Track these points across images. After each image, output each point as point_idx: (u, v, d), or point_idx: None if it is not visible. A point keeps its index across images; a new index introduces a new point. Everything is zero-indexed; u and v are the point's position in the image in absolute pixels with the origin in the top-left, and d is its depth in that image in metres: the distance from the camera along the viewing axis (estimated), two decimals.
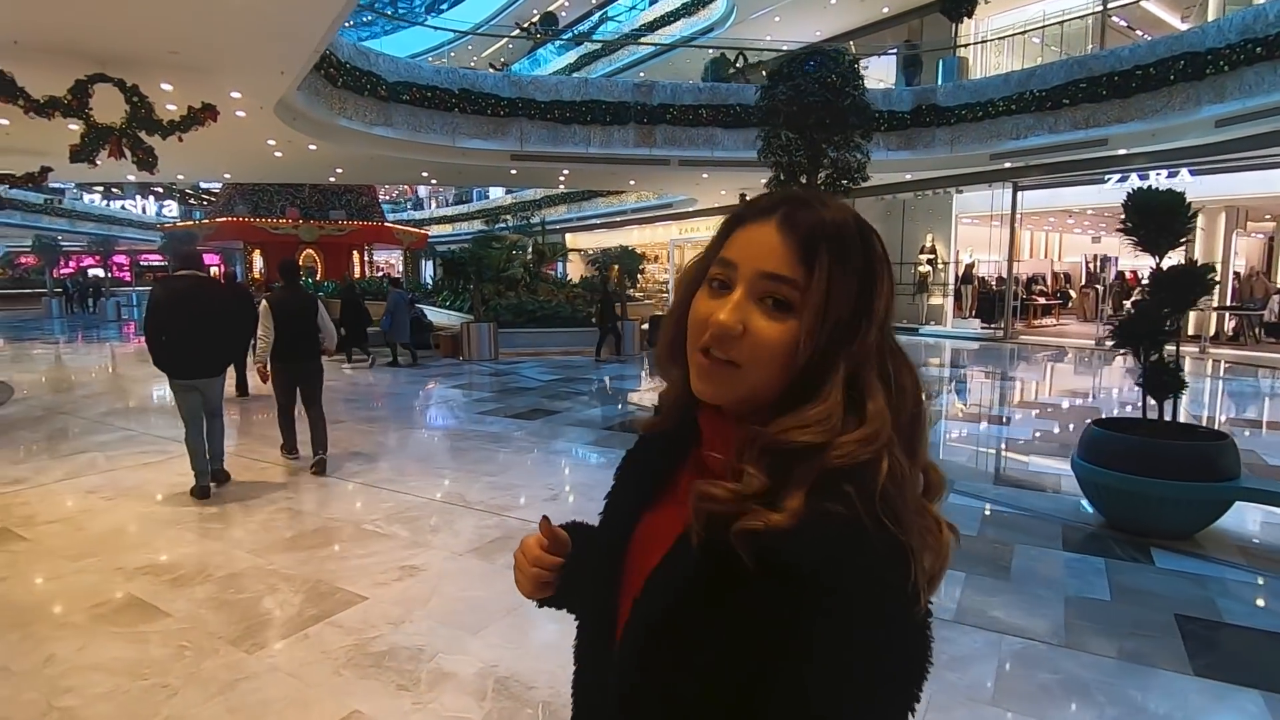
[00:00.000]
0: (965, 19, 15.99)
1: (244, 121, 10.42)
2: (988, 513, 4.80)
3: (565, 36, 26.07)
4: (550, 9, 26.72)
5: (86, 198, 34.04)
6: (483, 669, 2.82)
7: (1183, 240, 4.18)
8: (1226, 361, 12.79)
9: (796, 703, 0.55)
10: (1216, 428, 5.35)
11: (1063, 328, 18.41)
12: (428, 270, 34.35)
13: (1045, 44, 16.89)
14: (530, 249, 18.54)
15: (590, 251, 27.87)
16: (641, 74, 20.50)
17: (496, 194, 32.23)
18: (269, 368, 5.69)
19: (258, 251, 22.88)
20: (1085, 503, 4.76)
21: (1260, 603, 3.57)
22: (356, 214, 23.01)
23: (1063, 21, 16.37)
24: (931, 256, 17.98)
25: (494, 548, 4.11)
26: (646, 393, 9.77)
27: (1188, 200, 4.14)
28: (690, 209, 23.45)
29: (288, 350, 5.68)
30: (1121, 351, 4.51)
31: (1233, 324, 15.02)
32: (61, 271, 32.35)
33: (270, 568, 3.82)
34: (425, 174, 18.39)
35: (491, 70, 17.36)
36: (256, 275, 22.35)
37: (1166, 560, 3.99)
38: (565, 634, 0.85)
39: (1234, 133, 11.56)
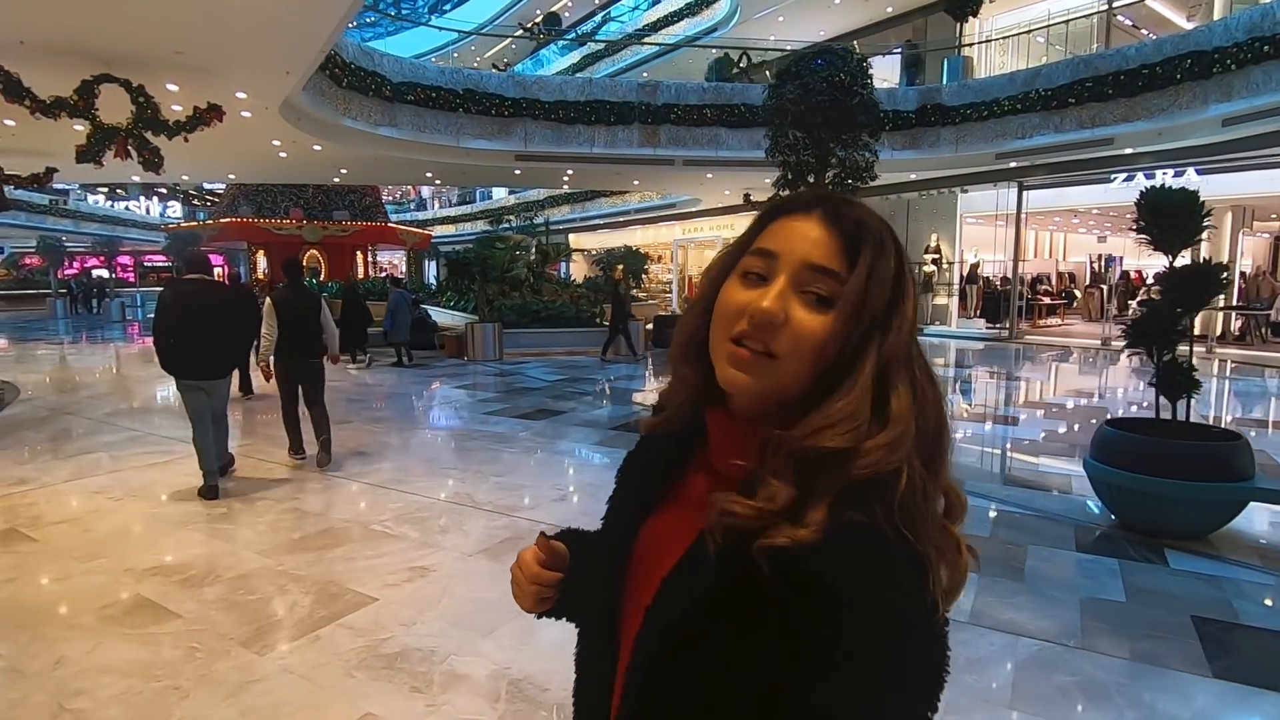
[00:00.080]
0: (970, 18, 15.93)
1: (249, 122, 10.42)
2: (999, 514, 4.77)
3: (569, 37, 26.06)
4: (553, 9, 26.71)
5: (91, 198, 34.06)
6: (495, 671, 2.80)
7: (1196, 239, 4.14)
8: (1233, 361, 12.74)
9: (815, 712, 0.54)
10: (1225, 428, 5.31)
11: (1068, 328, 18.36)
12: (431, 270, 34.38)
13: (1050, 43, 16.84)
14: (534, 249, 18.53)
15: (594, 251, 27.87)
16: (645, 74, 20.49)
17: (500, 194, 32.22)
18: (272, 366, 5.74)
19: (261, 252, 22.89)
20: (1096, 503, 4.73)
21: (1277, 604, 3.54)
22: (360, 214, 23.01)
23: (1068, 21, 16.32)
24: (936, 256, 17.94)
25: (504, 548, 4.09)
26: (651, 393, 9.75)
27: (1201, 199, 4.11)
28: (694, 209, 23.43)
29: (290, 348, 5.74)
30: (1133, 352, 4.48)
31: (1239, 324, 14.97)
32: (66, 272, 32.43)
33: (280, 569, 3.81)
34: (429, 174, 18.38)
35: (495, 71, 17.33)
36: (260, 276, 22.36)
37: (1181, 561, 3.96)
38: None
39: (1241, 132, 11.51)
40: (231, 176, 19.76)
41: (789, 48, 18.38)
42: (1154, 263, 22.17)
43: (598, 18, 26.32)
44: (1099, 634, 3.17)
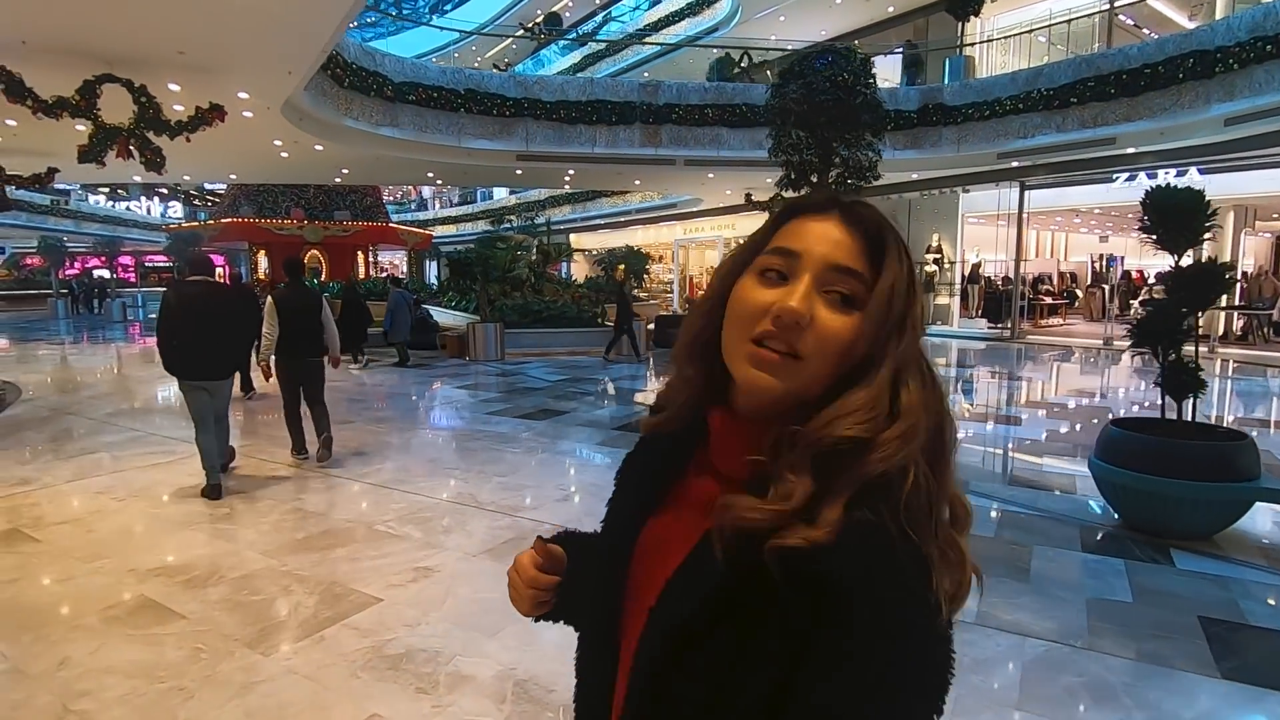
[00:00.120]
0: (972, 17, 15.91)
1: (251, 122, 10.42)
2: (1004, 514, 4.76)
3: (569, 37, 26.05)
4: (554, 9, 26.70)
5: (92, 199, 34.08)
6: (501, 671, 2.79)
7: (1202, 239, 4.13)
8: (1235, 361, 12.73)
9: (818, 712, 0.54)
10: (1231, 428, 5.30)
11: (1069, 327, 18.35)
12: (432, 271, 34.37)
13: (1051, 43, 16.83)
14: (535, 249, 18.53)
15: (595, 251, 27.86)
16: (646, 74, 20.48)
17: (500, 194, 32.21)
18: (272, 365, 5.78)
19: (263, 252, 22.90)
20: (1101, 503, 4.72)
21: None
22: (361, 215, 23.02)
23: (1069, 20, 16.31)
24: (938, 256, 17.93)
25: (508, 549, 4.08)
26: (653, 393, 9.73)
27: (1207, 199, 4.10)
28: (695, 209, 23.42)
29: (291, 347, 5.78)
30: (1138, 351, 4.47)
31: (1241, 324, 14.96)
32: (67, 272, 32.43)
33: (284, 569, 3.80)
34: (431, 174, 18.38)
35: (496, 71, 17.33)
36: (261, 276, 22.36)
37: (1186, 561, 3.95)
38: None
39: (1243, 131, 11.50)
40: (233, 177, 19.77)
41: (790, 47, 18.40)
42: (1155, 262, 22.16)
43: (598, 18, 26.30)
44: (1105, 634, 3.16)
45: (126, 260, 37.73)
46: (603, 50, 23.81)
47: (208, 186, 29.05)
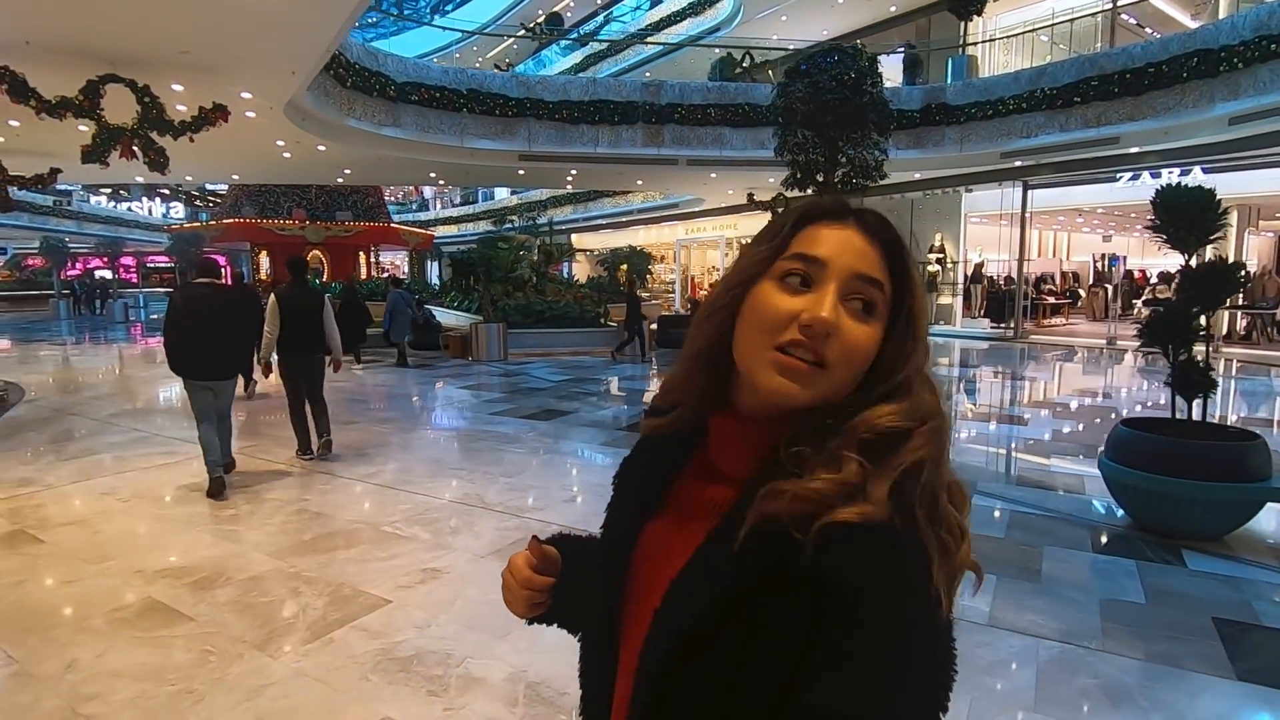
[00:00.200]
0: (974, 17, 15.89)
1: (254, 122, 10.41)
2: (1013, 515, 4.73)
3: (571, 37, 26.02)
4: (555, 9, 26.69)
5: (94, 199, 34.09)
6: (513, 674, 2.78)
7: (1213, 238, 4.11)
8: (1239, 361, 12.70)
9: (822, 710, 0.54)
10: (1242, 428, 5.28)
11: (1072, 327, 18.32)
12: (434, 271, 34.35)
13: (1054, 42, 16.81)
14: (537, 249, 18.52)
15: (597, 251, 27.83)
16: (647, 74, 20.46)
17: (502, 194, 32.19)
18: (274, 362, 5.86)
19: (264, 253, 22.89)
20: (1109, 503, 4.70)
21: None
22: (363, 215, 23.02)
23: (1072, 20, 16.29)
24: (941, 256, 17.90)
25: (516, 549, 4.00)
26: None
27: (1218, 197, 4.08)
28: (697, 209, 23.40)
29: (294, 345, 5.85)
30: (1148, 351, 4.45)
31: (1244, 323, 14.93)
32: (69, 273, 32.41)
33: (291, 570, 3.78)
34: (433, 175, 18.37)
35: (498, 71, 17.31)
36: (263, 276, 22.36)
37: (1198, 562, 3.93)
38: None
39: (1247, 130, 11.48)
40: (235, 177, 19.76)
41: (792, 47, 18.39)
42: (1157, 261, 22.18)
43: (599, 18, 26.28)
44: (1119, 636, 3.14)
45: (128, 261, 37.69)
46: (604, 50, 23.79)
47: (209, 187, 29.05)
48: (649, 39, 21.91)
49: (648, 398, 9.53)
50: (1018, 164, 14.90)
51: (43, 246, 28.00)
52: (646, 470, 0.78)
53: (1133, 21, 16.99)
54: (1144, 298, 19.13)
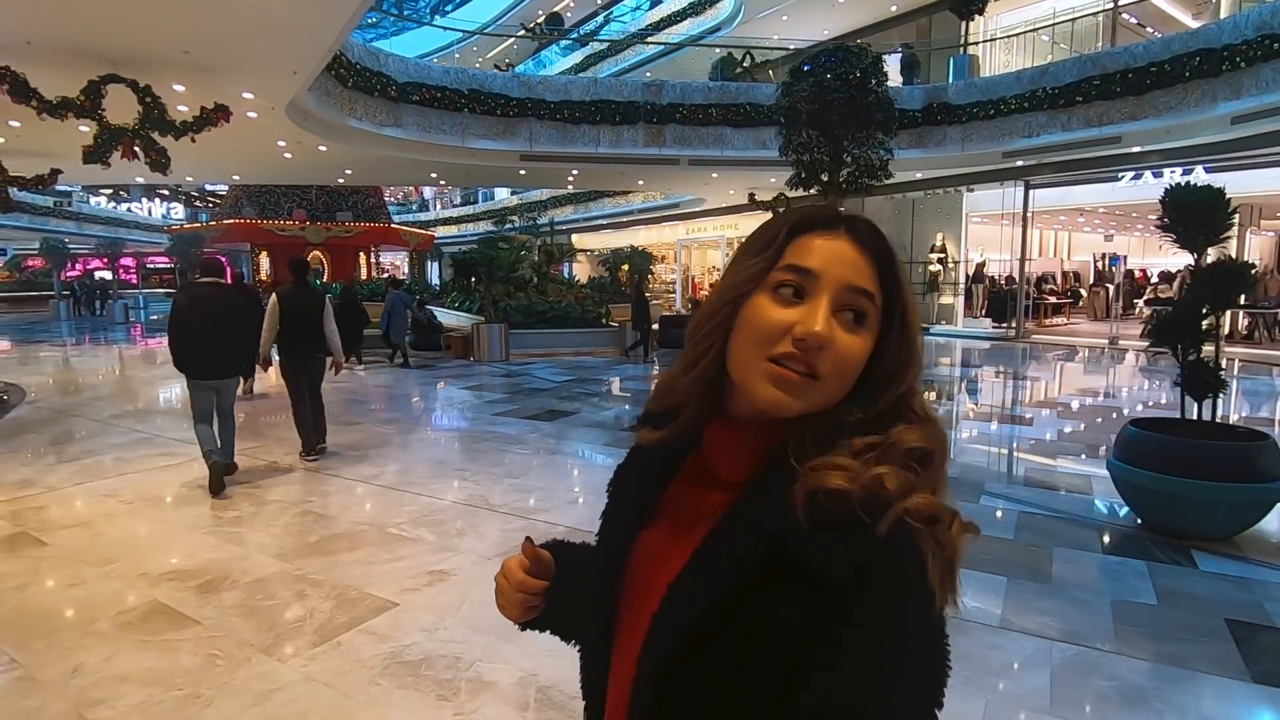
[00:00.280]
0: (976, 16, 15.87)
1: (255, 122, 10.38)
2: (1021, 515, 4.71)
3: (571, 37, 26.00)
4: (555, 9, 26.66)
5: (93, 200, 34.03)
6: (523, 677, 2.75)
7: (1222, 237, 4.09)
8: (1241, 360, 12.68)
9: (822, 707, 0.55)
10: (1252, 428, 5.25)
11: (1074, 327, 18.30)
12: (434, 271, 34.32)
13: (1055, 42, 16.80)
14: (538, 250, 18.49)
15: (597, 252, 27.81)
16: (648, 74, 20.44)
17: (502, 195, 32.17)
18: (275, 361, 5.95)
19: (265, 253, 22.86)
20: (1116, 503, 4.68)
21: None
22: (363, 215, 22.99)
23: (1073, 20, 16.28)
24: (942, 256, 17.88)
25: None
26: None
27: (1228, 196, 4.06)
28: (697, 209, 23.39)
29: (296, 345, 5.91)
30: (1157, 351, 4.43)
31: (1246, 323, 14.91)
32: (68, 274, 32.36)
33: (297, 573, 3.75)
34: (434, 175, 18.35)
35: (498, 71, 17.29)
36: (264, 277, 22.33)
37: (1209, 563, 3.90)
38: None
39: (1250, 130, 11.47)
40: (236, 178, 19.73)
41: (792, 47, 18.38)
42: (1158, 261, 22.16)
43: (599, 18, 26.26)
44: (1132, 638, 3.12)
45: (128, 262, 37.63)
46: (604, 50, 23.77)
47: (209, 187, 29.02)
48: (649, 39, 21.89)
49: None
50: (1019, 163, 14.89)
51: (43, 247, 27.95)
52: (641, 477, 0.78)
53: (1133, 21, 16.98)
54: (1146, 297, 19.11)
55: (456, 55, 27.14)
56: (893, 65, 17.13)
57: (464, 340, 13.32)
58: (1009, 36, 17.25)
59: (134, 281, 37.25)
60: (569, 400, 8.93)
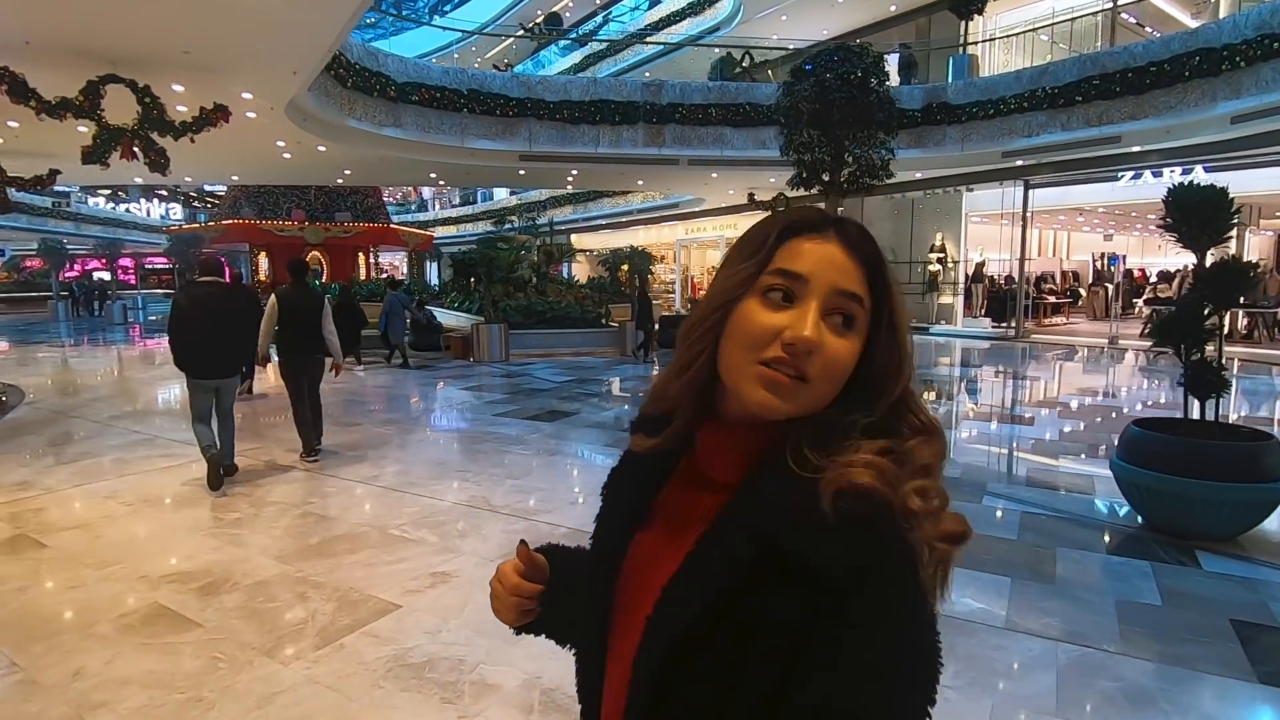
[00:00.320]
0: (975, 16, 15.86)
1: (254, 123, 10.36)
2: (1024, 516, 4.70)
3: (570, 37, 25.98)
4: (554, 9, 26.64)
5: (92, 201, 33.96)
6: (527, 680, 2.74)
7: (1225, 237, 4.08)
8: (1240, 360, 12.68)
9: (818, 707, 0.55)
10: (1256, 428, 5.25)
11: (1073, 326, 18.31)
12: (433, 271, 34.28)
13: (1054, 41, 16.80)
14: (537, 250, 18.47)
15: (597, 252, 27.78)
16: (647, 74, 20.42)
17: (501, 195, 32.14)
18: (275, 360, 6.00)
19: (263, 254, 22.82)
20: (1121, 504, 4.67)
21: None
22: (362, 216, 22.94)
23: (1072, 19, 16.28)
24: (941, 255, 17.88)
25: None
26: None
27: (1231, 196, 4.05)
28: (697, 209, 23.37)
29: (296, 345, 5.94)
30: (1160, 351, 4.42)
31: (1245, 322, 14.92)
32: (67, 275, 32.30)
33: (298, 575, 3.74)
34: (433, 175, 18.32)
35: (496, 71, 17.27)
36: (262, 277, 22.29)
37: (1212, 563, 3.90)
38: None
39: (1249, 129, 11.47)
40: (235, 178, 19.70)
41: (791, 46, 18.38)
42: (1156, 260, 22.18)
43: (598, 18, 26.24)
44: (1137, 638, 3.11)
45: (126, 262, 37.59)
46: (603, 50, 23.75)
47: (207, 188, 28.97)
48: (648, 39, 21.88)
49: None
50: (1019, 163, 14.88)
51: (41, 248, 27.88)
52: (634, 481, 0.79)
53: (1132, 21, 16.99)
54: (1145, 296, 19.12)
55: (455, 55, 27.10)
56: (890, 65, 17.15)
57: (463, 341, 13.30)
58: (1008, 36, 17.25)
59: (132, 282, 37.23)
60: (569, 401, 8.92)
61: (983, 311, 17.67)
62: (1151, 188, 14.42)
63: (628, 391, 10.11)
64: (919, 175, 16.42)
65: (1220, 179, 12.38)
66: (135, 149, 8.02)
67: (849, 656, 0.55)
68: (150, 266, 39.17)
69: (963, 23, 16.48)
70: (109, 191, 32.48)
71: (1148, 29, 16.87)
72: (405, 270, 32.65)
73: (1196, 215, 4.09)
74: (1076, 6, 16.30)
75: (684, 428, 0.73)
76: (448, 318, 15.13)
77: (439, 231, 33.76)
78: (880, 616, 0.56)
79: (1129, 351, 13.89)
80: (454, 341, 13.55)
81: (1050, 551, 4.06)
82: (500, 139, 13.51)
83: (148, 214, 37.96)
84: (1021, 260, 16.61)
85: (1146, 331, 4.57)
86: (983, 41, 17.19)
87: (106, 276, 32.94)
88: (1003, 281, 17.81)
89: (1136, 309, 19.25)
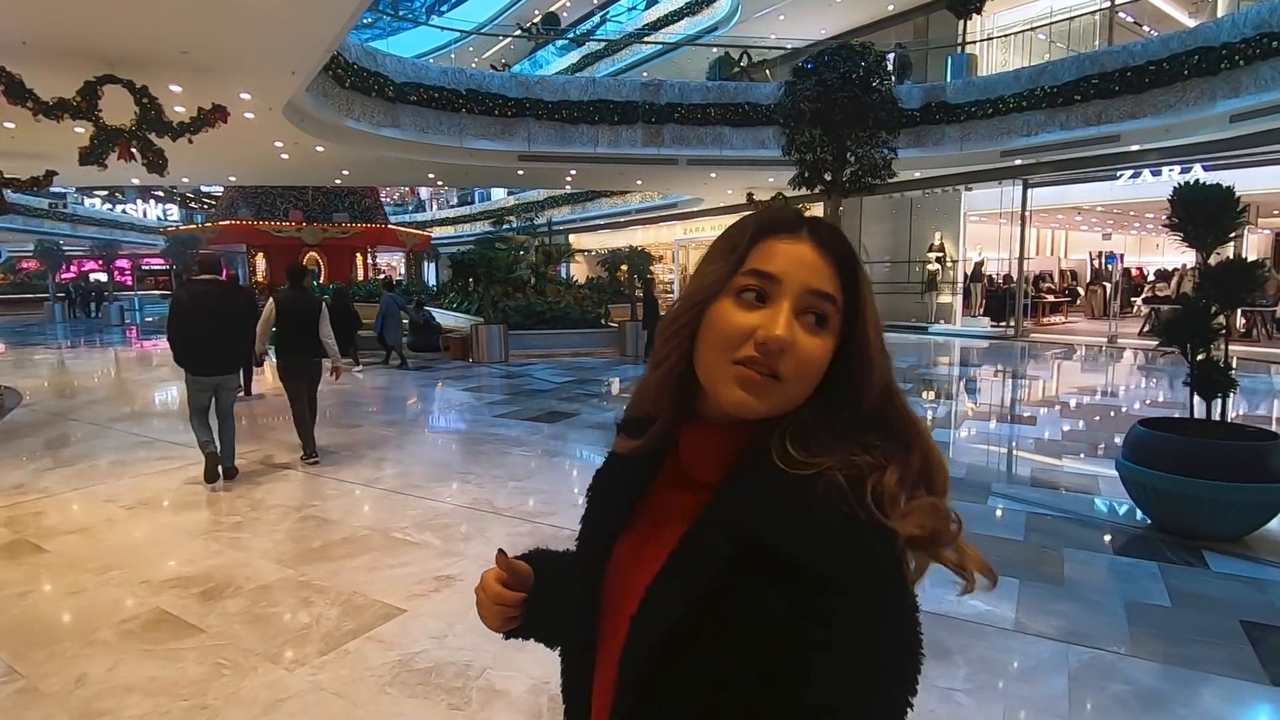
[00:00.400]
0: (973, 15, 15.86)
1: (252, 123, 10.32)
2: (1030, 516, 4.68)
3: (568, 37, 25.95)
4: (552, 9, 26.61)
5: (88, 202, 33.85)
6: (534, 685, 2.71)
7: (1231, 237, 4.07)
8: (1239, 359, 12.68)
9: (804, 701, 0.56)
10: (1262, 428, 5.23)
11: (1072, 325, 18.32)
12: (431, 272, 34.22)
13: (1052, 40, 16.81)
14: (536, 250, 18.43)
15: (596, 252, 27.74)
16: (645, 74, 20.40)
17: (499, 195, 32.10)
18: (274, 361, 6.06)
19: (261, 255, 22.75)
20: (1126, 504, 4.66)
21: None
22: (359, 216, 22.87)
23: (1070, 19, 16.30)
24: (940, 254, 17.88)
25: None
26: None
27: (1237, 195, 4.04)
28: (695, 209, 23.36)
29: (295, 347, 5.96)
30: (1165, 351, 4.41)
31: (1243, 321, 14.94)
32: (63, 276, 32.19)
33: (302, 579, 3.71)
34: (432, 175, 18.28)
35: (494, 71, 17.23)
36: (260, 279, 22.22)
37: (1220, 564, 3.88)
38: None
39: (1248, 128, 11.48)
40: (232, 179, 19.62)
41: (790, 46, 18.37)
42: (1154, 259, 22.21)
43: (596, 18, 26.21)
44: (1148, 640, 3.09)
45: (123, 263, 37.47)
46: (601, 50, 23.73)
47: (205, 189, 28.88)
48: (646, 39, 21.86)
49: None
50: (1018, 162, 14.89)
51: (37, 249, 27.77)
52: (619, 483, 0.79)
53: (1130, 20, 17.01)
54: (1144, 295, 19.14)
55: (452, 55, 27.05)
56: (888, 65, 17.14)
57: (462, 341, 13.27)
58: (1006, 35, 17.26)
59: (129, 283, 37.10)
60: (570, 401, 8.89)
61: (981, 311, 17.67)
62: (1150, 187, 14.44)
63: (628, 392, 10.07)
64: (918, 174, 16.42)
65: (1219, 178, 12.39)
66: (133, 150, 7.98)
67: (835, 652, 0.56)
68: (147, 268, 39.06)
69: (961, 22, 16.49)
70: (106, 192, 32.34)
71: (1146, 28, 16.89)
72: (403, 271, 32.58)
73: (1202, 214, 4.08)
74: (1074, 6, 16.32)
75: (666, 429, 0.74)
76: (446, 318, 15.09)
77: (437, 232, 33.70)
78: (865, 612, 0.57)
79: (1128, 350, 13.90)
80: (453, 342, 13.51)
81: (1057, 552, 4.04)
82: (499, 139, 13.48)
83: (144, 215, 37.85)
84: (1020, 259, 16.61)
85: (1151, 331, 4.55)
86: (981, 41, 17.19)
87: (103, 278, 32.85)
88: (1001, 281, 17.82)
89: (1135, 308, 19.27)
